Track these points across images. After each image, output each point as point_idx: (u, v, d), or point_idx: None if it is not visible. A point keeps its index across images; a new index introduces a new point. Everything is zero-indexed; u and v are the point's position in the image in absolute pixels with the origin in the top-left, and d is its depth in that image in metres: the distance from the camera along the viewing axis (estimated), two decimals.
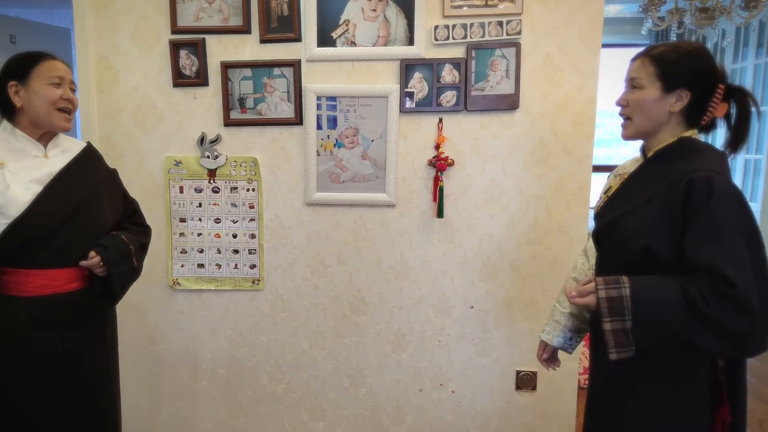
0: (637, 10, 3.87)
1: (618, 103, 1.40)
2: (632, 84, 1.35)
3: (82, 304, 1.60)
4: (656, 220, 1.26)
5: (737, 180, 4.62)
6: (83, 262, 1.56)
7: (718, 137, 1.42)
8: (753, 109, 1.34)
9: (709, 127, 1.36)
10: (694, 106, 1.31)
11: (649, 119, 1.33)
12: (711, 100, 1.30)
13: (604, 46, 2.18)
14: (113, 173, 1.76)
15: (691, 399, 1.30)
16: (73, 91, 1.59)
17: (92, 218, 1.60)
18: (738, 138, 1.33)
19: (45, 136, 1.57)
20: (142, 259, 1.75)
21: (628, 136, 1.39)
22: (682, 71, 1.29)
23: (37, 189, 1.51)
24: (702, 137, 1.37)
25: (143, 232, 1.79)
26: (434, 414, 2.35)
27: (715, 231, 1.18)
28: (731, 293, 1.14)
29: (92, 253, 1.56)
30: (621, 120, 1.41)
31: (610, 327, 1.22)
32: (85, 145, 1.69)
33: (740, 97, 1.33)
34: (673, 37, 3.77)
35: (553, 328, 1.63)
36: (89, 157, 1.67)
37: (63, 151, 1.61)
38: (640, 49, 1.38)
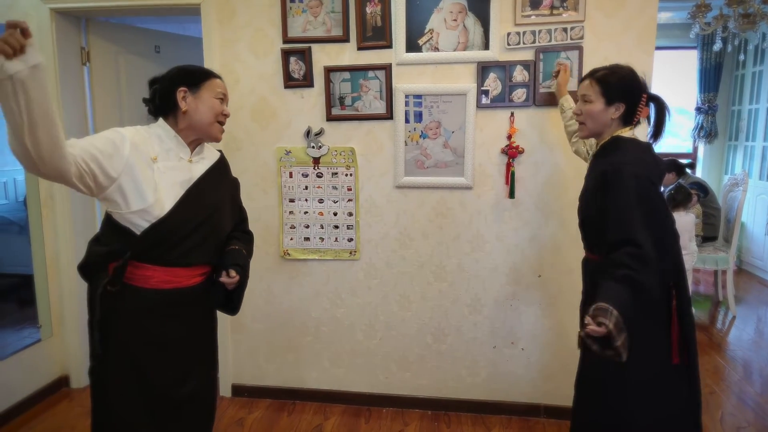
0: (686, 16, 4.10)
1: (574, 113, 1.83)
2: (584, 99, 1.76)
3: (198, 295, 1.64)
4: (590, 200, 1.72)
5: (756, 163, 5.08)
6: (223, 279, 1.60)
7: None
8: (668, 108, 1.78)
9: (638, 123, 1.78)
10: (628, 112, 1.72)
11: (596, 124, 1.75)
12: (638, 107, 1.72)
13: (657, 48, 2.36)
14: (236, 184, 1.81)
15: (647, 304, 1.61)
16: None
17: (217, 227, 1.64)
18: (658, 130, 1.77)
19: (194, 142, 1.61)
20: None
21: (583, 136, 1.84)
22: (619, 90, 1.70)
23: (179, 192, 1.53)
24: (638, 128, 1.79)
25: (248, 239, 1.83)
26: (506, 368, 2.61)
27: (623, 210, 1.56)
28: (639, 253, 1.50)
29: (233, 273, 1.61)
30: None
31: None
32: (219, 155, 1.73)
33: (657, 102, 1.76)
34: (718, 41, 3.86)
35: None
36: (221, 167, 1.71)
37: (203, 159, 1.65)
38: (590, 71, 1.78)
